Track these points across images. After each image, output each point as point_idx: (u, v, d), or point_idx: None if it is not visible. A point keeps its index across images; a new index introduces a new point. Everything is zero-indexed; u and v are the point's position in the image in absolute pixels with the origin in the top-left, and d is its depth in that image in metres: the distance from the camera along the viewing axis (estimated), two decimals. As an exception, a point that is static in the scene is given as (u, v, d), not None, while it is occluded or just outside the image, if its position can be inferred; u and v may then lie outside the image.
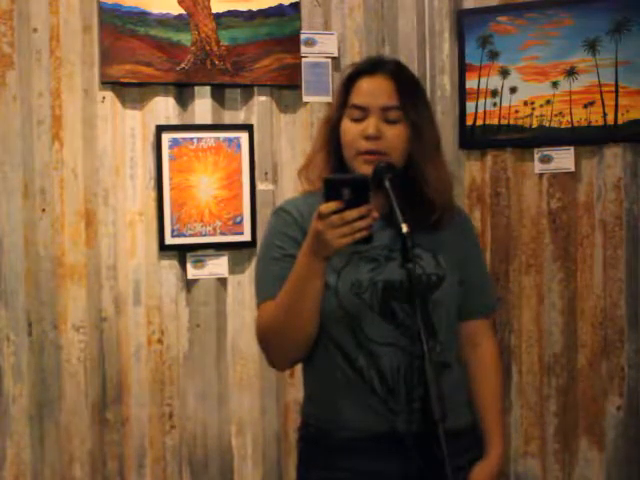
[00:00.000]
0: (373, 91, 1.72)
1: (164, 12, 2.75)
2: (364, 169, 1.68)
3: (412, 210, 1.68)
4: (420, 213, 1.72)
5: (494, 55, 2.88)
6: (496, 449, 1.79)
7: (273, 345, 1.71)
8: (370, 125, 1.69)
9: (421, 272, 1.69)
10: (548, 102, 2.83)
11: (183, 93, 2.80)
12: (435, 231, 1.76)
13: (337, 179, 1.55)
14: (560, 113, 2.82)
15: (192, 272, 2.79)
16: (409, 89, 1.73)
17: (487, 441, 1.79)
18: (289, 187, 2.86)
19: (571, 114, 2.80)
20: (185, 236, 2.77)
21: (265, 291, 1.72)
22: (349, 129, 1.72)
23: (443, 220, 1.76)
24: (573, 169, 2.83)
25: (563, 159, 2.83)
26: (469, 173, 2.96)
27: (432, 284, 1.71)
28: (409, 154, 1.72)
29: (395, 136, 1.70)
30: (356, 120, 1.71)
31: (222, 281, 2.84)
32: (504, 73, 2.87)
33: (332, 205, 1.50)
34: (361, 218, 1.50)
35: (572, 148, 2.81)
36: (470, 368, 1.83)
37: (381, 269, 1.69)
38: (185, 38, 2.76)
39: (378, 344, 1.67)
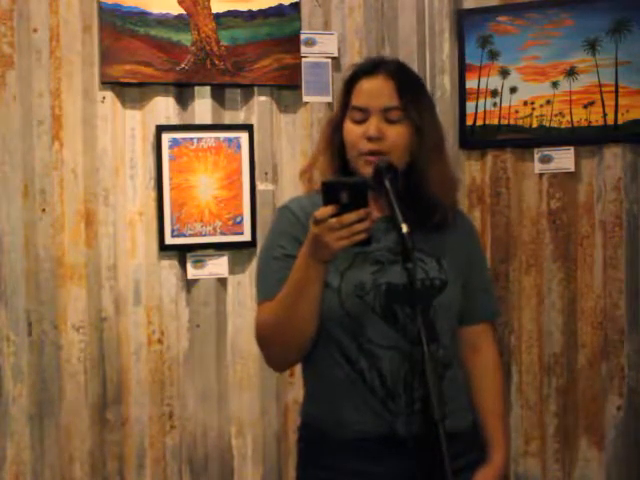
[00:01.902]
0: (373, 92, 1.71)
1: (164, 12, 2.75)
2: (366, 170, 1.68)
3: (415, 210, 1.68)
4: (423, 213, 1.72)
5: (494, 55, 2.88)
6: (499, 454, 1.78)
7: (270, 345, 1.71)
8: (371, 126, 1.69)
9: (424, 276, 1.69)
10: (548, 102, 2.83)
11: (183, 93, 2.80)
12: (439, 234, 1.75)
13: (335, 182, 1.55)
14: (560, 113, 2.82)
15: (192, 272, 2.79)
16: (410, 89, 1.73)
17: (490, 446, 1.78)
18: (289, 187, 2.86)
19: (571, 114, 2.80)
20: (185, 236, 2.77)
21: (264, 291, 1.72)
22: (351, 130, 1.72)
23: (446, 220, 1.76)
24: (573, 169, 2.83)
25: (563, 159, 2.83)
26: (469, 173, 2.96)
27: (435, 288, 1.70)
28: (411, 153, 1.72)
29: (396, 136, 1.70)
30: (358, 122, 1.71)
31: (222, 281, 2.84)
32: (504, 73, 2.87)
33: (328, 209, 1.50)
34: (359, 221, 1.50)
35: (572, 148, 2.81)
36: (471, 374, 1.83)
37: (385, 271, 1.69)
38: (185, 38, 2.76)
39: (379, 346, 1.67)
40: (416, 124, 1.71)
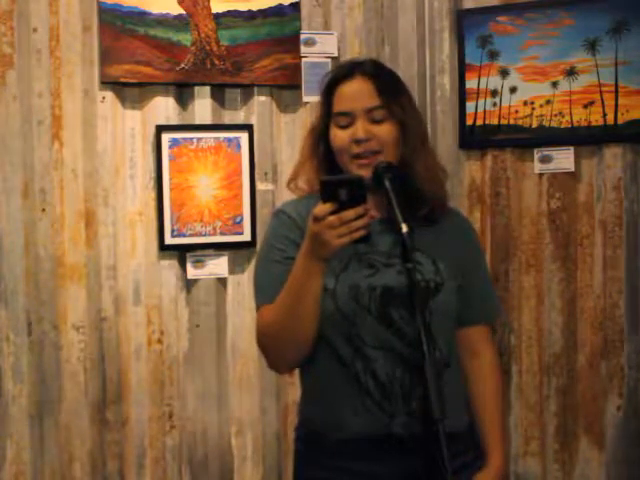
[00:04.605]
0: (354, 95, 1.72)
1: (164, 12, 2.75)
2: (360, 173, 1.68)
3: (406, 206, 1.68)
4: (413, 206, 1.72)
5: (494, 55, 2.88)
6: (496, 460, 1.77)
7: (273, 348, 1.71)
8: (358, 129, 1.69)
9: (420, 278, 1.68)
10: (548, 102, 2.83)
11: (183, 93, 2.80)
12: (435, 234, 1.76)
13: (333, 180, 1.56)
14: (560, 113, 2.81)
15: (192, 272, 2.79)
16: (388, 86, 1.74)
17: (487, 452, 1.78)
18: (289, 187, 2.86)
19: (571, 114, 2.80)
20: (185, 236, 2.77)
21: (265, 294, 1.72)
22: (338, 136, 1.72)
23: (435, 214, 1.76)
24: (573, 169, 2.83)
25: (563, 159, 2.83)
26: (469, 173, 2.95)
27: (430, 290, 1.70)
28: (400, 149, 1.72)
29: (385, 134, 1.70)
30: (343, 127, 1.72)
31: (222, 281, 2.84)
32: (504, 73, 2.87)
33: (327, 207, 1.51)
34: (358, 218, 1.50)
35: (572, 148, 2.81)
36: (469, 377, 1.82)
37: (380, 274, 1.69)
38: (185, 38, 2.76)
39: (374, 348, 1.67)
40: (400, 120, 1.71)
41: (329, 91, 1.76)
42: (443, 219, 1.79)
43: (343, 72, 1.76)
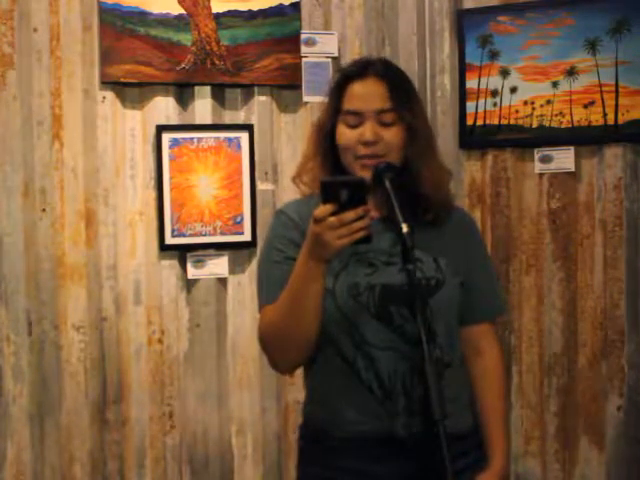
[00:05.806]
0: (366, 95, 1.71)
1: (164, 12, 2.75)
2: (363, 173, 1.67)
3: (409, 208, 1.68)
4: (417, 211, 1.72)
5: (494, 55, 2.88)
6: (499, 461, 1.76)
7: (275, 348, 1.71)
8: (367, 130, 1.68)
9: (420, 276, 1.68)
10: (548, 102, 2.83)
11: (183, 93, 2.80)
12: (437, 232, 1.75)
13: (334, 181, 1.55)
14: (560, 113, 2.82)
15: (192, 272, 2.79)
16: (401, 89, 1.73)
17: (490, 452, 1.77)
18: (289, 187, 2.84)
19: (571, 114, 2.80)
20: (185, 236, 2.77)
21: (266, 295, 1.72)
22: (345, 135, 1.71)
23: (440, 217, 1.76)
24: (573, 169, 2.83)
25: (563, 159, 2.83)
26: (469, 173, 2.96)
27: (431, 288, 1.70)
28: (405, 153, 1.72)
29: (392, 138, 1.70)
30: (352, 126, 1.70)
31: (222, 281, 2.84)
32: (504, 73, 2.87)
33: (328, 208, 1.50)
34: (359, 219, 1.50)
35: (572, 148, 2.81)
36: (473, 376, 1.81)
37: (379, 273, 1.69)
38: (185, 38, 2.76)
39: (375, 347, 1.67)
40: (409, 124, 1.71)
41: (340, 88, 1.74)
42: (446, 217, 1.79)
43: (356, 70, 1.74)
